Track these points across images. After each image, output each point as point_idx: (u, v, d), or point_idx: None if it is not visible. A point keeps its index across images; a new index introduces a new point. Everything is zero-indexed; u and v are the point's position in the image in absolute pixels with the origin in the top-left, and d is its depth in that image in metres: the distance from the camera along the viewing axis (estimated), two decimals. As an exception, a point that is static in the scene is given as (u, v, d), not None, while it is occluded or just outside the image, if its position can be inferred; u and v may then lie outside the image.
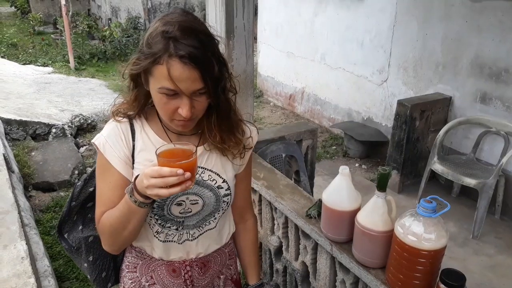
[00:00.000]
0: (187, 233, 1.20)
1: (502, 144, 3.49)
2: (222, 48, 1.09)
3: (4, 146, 3.57)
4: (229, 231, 1.32)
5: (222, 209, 1.21)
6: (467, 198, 3.84)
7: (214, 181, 1.17)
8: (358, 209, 1.74)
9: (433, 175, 3.92)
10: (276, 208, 2.35)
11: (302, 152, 3.11)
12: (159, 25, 0.99)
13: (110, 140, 1.12)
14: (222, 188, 1.18)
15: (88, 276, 1.38)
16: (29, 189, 3.81)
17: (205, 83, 0.99)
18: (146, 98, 1.11)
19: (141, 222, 1.09)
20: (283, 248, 2.41)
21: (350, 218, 1.76)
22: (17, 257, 2.00)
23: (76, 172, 4.07)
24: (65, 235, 1.34)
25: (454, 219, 3.61)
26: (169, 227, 1.17)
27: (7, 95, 5.69)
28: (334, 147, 5.12)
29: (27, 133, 4.68)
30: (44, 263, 2.22)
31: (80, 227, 1.33)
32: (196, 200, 1.15)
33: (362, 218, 1.66)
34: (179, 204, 1.13)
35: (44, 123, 4.80)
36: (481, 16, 3.48)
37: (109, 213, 1.10)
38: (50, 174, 4.03)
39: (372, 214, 1.63)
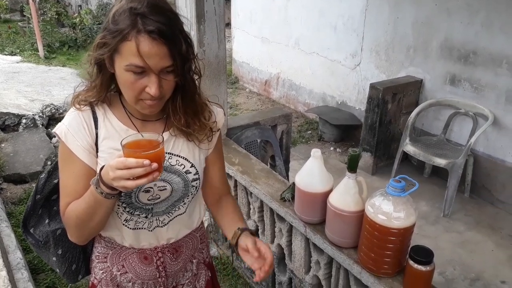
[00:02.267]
0: (156, 219, 1.19)
1: (471, 124, 3.59)
2: (192, 33, 1.08)
3: (-29, 138, 3.47)
4: (200, 215, 1.32)
5: (192, 194, 1.20)
6: (438, 178, 3.95)
7: (182, 166, 1.17)
8: (330, 191, 1.77)
9: (406, 156, 4.01)
10: (251, 193, 2.37)
11: (277, 137, 3.13)
12: (125, 2, 0.97)
13: (72, 129, 1.09)
14: (190, 173, 1.18)
15: (57, 270, 1.34)
16: (0, 182, 3.72)
17: (174, 60, 0.98)
18: (110, 83, 1.09)
19: (108, 213, 1.07)
20: (259, 232, 2.44)
21: (322, 199, 1.79)
22: (-13, 251, 1.96)
23: (49, 162, 3.99)
24: (31, 230, 1.31)
25: (426, 199, 3.71)
26: (138, 214, 1.16)
27: (-27, 85, 5.50)
28: (310, 131, 5.16)
29: (-4, 125, 4.55)
30: (17, 256, 2.19)
31: (47, 221, 1.30)
32: (164, 186, 1.14)
33: (334, 199, 1.70)
34: (147, 191, 1.12)
35: (14, 114, 4.67)
36: (449, -1, 3.54)
37: (74, 205, 1.08)
38: (22, 165, 3.93)
39: (344, 195, 1.67)
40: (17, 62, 7.42)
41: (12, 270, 1.99)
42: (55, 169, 1.24)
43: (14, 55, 7.98)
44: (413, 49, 3.95)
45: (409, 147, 3.64)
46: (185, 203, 1.21)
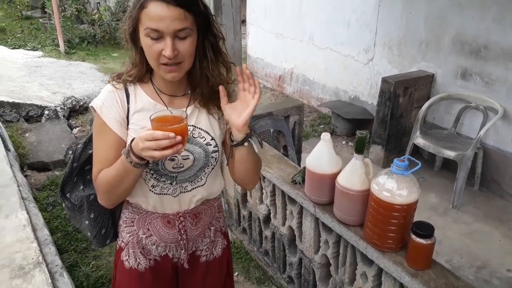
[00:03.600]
0: (180, 186, 1.31)
1: (481, 118, 3.65)
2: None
3: (0, 125, 3.66)
4: (219, 187, 1.43)
5: (212, 164, 1.32)
6: (448, 171, 4.00)
7: (204, 138, 1.28)
8: (338, 173, 1.87)
9: (417, 150, 4.08)
10: (264, 177, 2.48)
11: (289, 127, 3.24)
12: None
13: (106, 103, 1.23)
14: (210, 145, 1.29)
15: (88, 234, 1.48)
16: (25, 169, 3.90)
17: (186, 24, 1.10)
18: (144, 62, 1.21)
19: (135, 181, 1.20)
20: (271, 216, 2.55)
21: (331, 180, 1.90)
22: (19, 225, 2.12)
23: (70, 152, 4.17)
24: (67, 195, 1.45)
25: (435, 191, 3.78)
26: (164, 181, 1.28)
27: (-2, 78, 5.73)
28: (322, 125, 5.25)
29: (20, 115, 4.74)
30: (44, 233, 2.34)
31: (81, 187, 1.44)
32: (187, 155, 1.26)
33: (342, 179, 1.80)
34: (172, 160, 1.25)
35: (37, 105, 4.87)
36: (461, -6, 3.60)
37: (106, 171, 1.21)
38: (45, 154, 4.11)
39: (351, 175, 1.77)
40: (39, 57, 7.67)
41: (40, 245, 2.14)
42: (90, 140, 1.37)
43: (36, 50, 8.23)
44: (425, 44, 4.02)
45: (419, 140, 3.71)
46: (205, 173, 1.33)
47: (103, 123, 1.23)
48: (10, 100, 4.73)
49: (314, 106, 5.70)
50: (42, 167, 4.01)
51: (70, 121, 4.96)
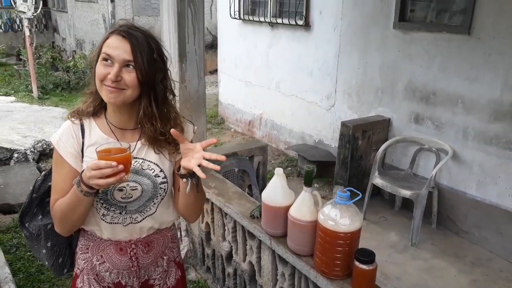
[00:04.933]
0: (130, 217, 1.40)
1: (434, 159, 3.89)
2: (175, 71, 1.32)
3: (-35, 168, 3.67)
4: (172, 218, 1.53)
5: (160, 195, 1.42)
6: (407, 210, 4.18)
7: (152, 170, 1.39)
8: (291, 205, 2.01)
9: (378, 191, 4.27)
10: (226, 214, 2.59)
11: (254, 167, 3.38)
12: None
13: (63, 138, 1.35)
14: (159, 176, 1.40)
15: (46, 263, 1.55)
16: (-10, 212, 3.88)
17: (135, 58, 1.25)
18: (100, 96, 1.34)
19: (87, 209, 1.31)
20: (233, 252, 2.64)
21: (284, 213, 2.02)
22: (-20, 262, 2.13)
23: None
24: (26, 224, 1.52)
25: (395, 230, 3.93)
26: (114, 210, 1.37)
27: (-32, 122, 5.73)
28: (290, 168, 5.42)
29: (-12, 158, 4.75)
30: (5, 271, 2.35)
31: (40, 217, 1.52)
32: (135, 186, 1.36)
33: (293, 211, 1.94)
34: (121, 190, 1.35)
35: (6, 148, 4.89)
36: (410, 46, 3.95)
37: (61, 201, 1.31)
38: (12, 196, 4.10)
39: (301, 207, 1.91)
40: (11, 102, 7.71)
41: (1, 283, 2.15)
42: (50, 173, 1.47)
43: (9, 95, 8.28)
44: (381, 90, 4.32)
45: (377, 180, 3.90)
46: (155, 204, 1.42)
47: (60, 157, 1.34)
48: (-21, 144, 4.75)
49: (282, 149, 5.90)
50: (8, 209, 3.99)
51: (40, 164, 4.97)
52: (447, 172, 3.84)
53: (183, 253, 3.12)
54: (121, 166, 1.14)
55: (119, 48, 1.25)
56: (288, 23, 5.29)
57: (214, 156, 1.21)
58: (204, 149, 1.24)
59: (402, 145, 4.18)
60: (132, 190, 1.36)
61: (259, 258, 2.38)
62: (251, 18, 6.05)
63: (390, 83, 4.21)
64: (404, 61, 4.04)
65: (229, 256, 2.72)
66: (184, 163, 1.25)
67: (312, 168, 1.88)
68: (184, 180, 1.30)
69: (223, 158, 1.22)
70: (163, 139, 1.37)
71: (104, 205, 1.36)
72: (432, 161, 3.92)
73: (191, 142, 1.40)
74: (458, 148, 3.72)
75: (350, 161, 4.14)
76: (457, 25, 3.61)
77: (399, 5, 3.98)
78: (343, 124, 4.12)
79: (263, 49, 5.94)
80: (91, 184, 1.18)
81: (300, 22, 5.12)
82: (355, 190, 1.81)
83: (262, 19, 5.78)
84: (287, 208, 2.00)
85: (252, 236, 2.35)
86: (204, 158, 1.21)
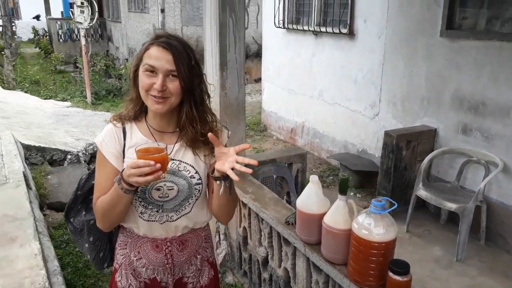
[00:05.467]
0: (166, 215, 1.47)
1: (483, 172, 3.73)
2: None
3: (24, 166, 3.94)
4: (205, 218, 1.58)
5: (195, 196, 1.48)
6: (454, 225, 4.02)
7: (188, 172, 1.46)
8: (325, 213, 2.01)
9: (423, 203, 4.14)
10: (262, 220, 2.61)
11: (292, 174, 3.39)
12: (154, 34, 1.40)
13: (106, 139, 1.44)
14: (194, 178, 1.46)
15: (88, 256, 1.65)
16: (44, 208, 4.13)
17: (177, 67, 1.33)
18: (140, 99, 1.42)
19: (126, 206, 1.38)
20: (269, 257, 2.66)
21: (319, 220, 2.02)
22: (31, 254, 2.30)
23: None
24: (71, 219, 1.64)
25: (440, 244, 3.80)
26: (151, 208, 1.45)
27: (28, 125, 6.15)
28: (331, 177, 5.38)
29: (45, 159, 5.06)
30: (54, 264, 2.50)
31: (84, 213, 1.63)
32: (172, 186, 1.43)
33: (327, 219, 1.93)
34: (158, 189, 1.42)
35: (61, 150, 5.19)
36: (458, 54, 3.83)
37: (102, 198, 1.40)
38: (64, 195, 4.34)
39: (335, 215, 1.90)
40: (67, 107, 8.19)
41: (50, 274, 2.30)
42: (93, 172, 1.57)
43: (65, 100, 8.81)
44: (427, 100, 4.21)
45: (421, 192, 3.79)
46: (190, 204, 1.49)
47: (103, 157, 1.43)
48: (37, 145, 5.07)
49: (324, 158, 5.86)
50: (60, 207, 4.22)
51: (90, 165, 5.23)
52: (497, 185, 3.67)
53: (221, 256, 3.18)
54: (158, 165, 1.21)
55: (161, 59, 1.32)
56: (332, 31, 5.28)
57: (246, 160, 1.25)
58: (238, 154, 1.29)
59: (448, 157, 4.04)
60: (169, 189, 1.43)
61: (294, 265, 2.38)
62: (295, 27, 6.09)
63: (436, 92, 4.09)
64: (451, 70, 3.92)
65: (265, 261, 2.74)
66: (218, 166, 1.31)
67: (347, 176, 1.88)
68: (218, 182, 1.36)
69: (255, 162, 1.26)
70: (202, 140, 1.44)
71: (142, 203, 1.44)
72: (481, 174, 3.75)
73: (225, 146, 1.46)
74: (509, 161, 3.55)
75: (394, 172, 4.05)
76: (510, 32, 3.46)
77: (446, 12, 3.87)
78: (387, 134, 4.05)
79: (306, 57, 5.95)
80: (131, 181, 1.25)
81: (344, 31, 5.10)
82: (391, 200, 1.79)
83: (306, 28, 5.80)
84: (322, 215, 2.00)
85: (287, 242, 2.36)
86: (237, 162, 1.25)
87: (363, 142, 5.15)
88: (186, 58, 1.35)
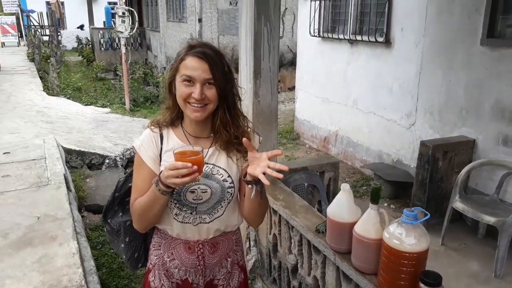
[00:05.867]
0: (199, 217, 1.51)
1: (525, 186, 3.59)
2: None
3: (65, 169, 4.12)
4: (237, 222, 1.61)
5: (227, 199, 1.52)
6: (492, 239, 3.87)
7: (221, 175, 1.50)
8: (356, 222, 1.99)
9: (460, 216, 4.01)
10: (292, 227, 2.62)
11: (324, 183, 3.38)
12: (187, 43, 1.45)
13: (144, 143, 1.51)
14: (227, 181, 1.50)
15: (123, 256, 1.71)
16: (82, 210, 4.29)
17: (213, 75, 1.38)
18: (176, 105, 1.48)
19: (162, 207, 1.43)
20: (299, 265, 2.65)
21: (349, 229, 2.01)
22: (69, 253, 2.40)
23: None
24: (108, 220, 1.71)
25: (477, 259, 3.66)
26: (185, 210, 1.49)
27: (69, 129, 6.42)
28: (365, 187, 5.30)
29: (84, 162, 5.26)
30: (90, 263, 2.60)
31: (120, 214, 1.69)
32: (205, 189, 1.48)
33: (358, 228, 1.92)
34: (192, 192, 1.47)
35: (99, 154, 5.39)
36: (499, 63, 3.71)
37: (140, 199, 1.45)
38: (101, 198, 4.50)
39: (366, 224, 1.89)
40: (107, 113, 8.49)
41: (86, 273, 2.39)
42: (130, 175, 1.64)
43: (105, 107, 9.13)
44: (465, 110, 4.09)
45: (458, 204, 3.68)
46: (222, 206, 1.52)
47: (141, 160, 1.49)
48: (77, 149, 5.29)
49: (357, 167, 5.79)
50: (97, 209, 4.37)
51: (127, 170, 5.40)
52: (540, 200, 3.51)
53: (251, 263, 3.20)
54: (195, 167, 1.26)
55: (198, 69, 1.37)
56: (368, 40, 5.24)
57: (278, 165, 1.28)
58: (269, 159, 1.31)
59: (488, 168, 3.90)
60: (203, 192, 1.48)
61: (323, 274, 2.37)
62: (330, 35, 6.08)
63: (475, 102, 3.98)
64: (491, 80, 3.80)
65: (295, 269, 2.73)
66: (250, 170, 1.34)
67: (379, 184, 1.86)
68: (249, 186, 1.39)
69: (285, 168, 1.28)
70: (236, 142, 1.48)
71: (177, 205, 1.49)
72: (523, 188, 3.61)
73: (257, 151, 1.48)
74: (553, 175, 3.39)
75: (429, 183, 3.96)
76: (554, 41, 3.34)
77: (488, 21, 3.77)
78: (423, 144, 3.96)
79: (341, 66, 5.93)
80: (168, 183, 1.29)
81: (381, 39, 5.04)
82: (424, 210, 1.76)
83: (341, 36, 5.78)
84: (352, 224, 1.99)
85: (317, 250, 2.35)
86: (269, 167, 1.28)
87: (398, 152, 5.05)
88: (220, 65, 1.40)
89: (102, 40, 15.28)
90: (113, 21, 9.37)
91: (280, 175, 1.27)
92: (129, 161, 5.57)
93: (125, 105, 9.08)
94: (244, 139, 1.36)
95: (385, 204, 4.83)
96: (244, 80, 2.78)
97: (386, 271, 1.77)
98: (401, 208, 4.71)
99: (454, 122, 4.23)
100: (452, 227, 3.88)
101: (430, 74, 4.46)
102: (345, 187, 2.03)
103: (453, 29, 4.15)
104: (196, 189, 1.47)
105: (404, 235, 1.68)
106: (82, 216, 4.18)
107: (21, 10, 20.91)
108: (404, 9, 4.78)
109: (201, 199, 1.48)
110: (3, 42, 18.72)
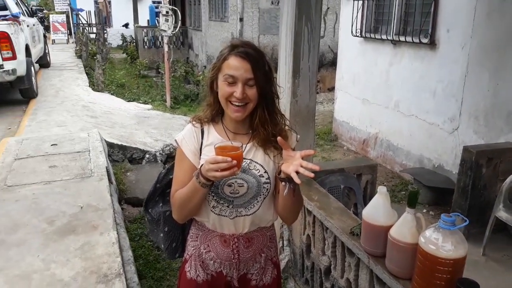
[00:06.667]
0: (236, 211, 1.55)
1: None
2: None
3: (107, 162, 4.28)
4: (271, 218, 1.64)
5: (263, 194, 1.54)
6: (540, 252, 3.70)
7: (258, 171, 1.53)
8: (392, 226, 1.96)
9: (504, 226, 3.84)
10: (327, 229, 2.60)
11: (361, 186, 3.33)
12: (229, 42, 1.49)
13: (186, 137, 1.56)
14: (263, 177, 1.53)
15: (162, 246, 1.78)
16: (122, 203, 4.43)
17: (255, 75, 1.41)
18: (217, 102, 1.52)
19: (201, 199, 1.48)
20: (332, 267, 2.63)
21: (385, 232, 1.98)
22: (109, 242, 2.50)
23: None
24: (149, 210, 1.79)
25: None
26: (222, 203, 1.54)
27: (112, 124, 6.65)
28: (403, 192, 5.18)
29: (125, 157, 5.44)
30: (128, 254, 2.70)
31: (161, 204, 1.77)
32: (242, 183, 1.51)
33: (393, 231, 1.89)
34: (229, 185, 1.51)
35: (140, 149, 5.55)
36: (552, 67, 3.53)
37: (180, 191, 1.51)
38: (140, 191, 4.63)
39: (402, 228, 1.86)
40: (148, 110, 8.72)
41: (124, 262, 2.48)
42: (171, 168, 1.70)
43: (147, 103, 9.38)
44: (513, 115, 3.92)
45: (502, 213, 3.53)
46: (258, 202, 1.55)
47: (182, 153, 1.55)
48: (119, 143, 5.48)
49: (396, 171, 5.66)
50: (136, 202, 4.51)
51: (166, 165, 5.53)
52: None
53: (284, 262, 3.20)
54: (234, 162, 1.30)
55: (240, 69, 1.41)
56: (412, 41, 5.11)
57: (310, 165, 1.30)
58: (303, 158, 1.32)
59: (536, 178, 3.71)
60: (239, 186, 1.51)
61: (356, 276, 2.34)
62: (372, 36, 5.98)
63: (525, 107, 3.80)
64: (543, 84, 3.62)
65: (328, 271, 2.72)
66: (284, 168, 1.37)
67: (416, 189, 1.83)
68: (283, 183, 1.42)
69: (317, 168, 1.31)
70: (273, 140, 1.51)
71: (214, 198, 1.53)
72: None
73: (293, 149, 1.50)
74: None
75: (471, 190, 3.81)
76: None
77: (541, 21, 3.60)
78: (466, 149, 3.83)
79: (383, 67, 5.81)
80: (208, 176, 1.34)
81: (425, 40, 4.91)
82: (463, 216, 1.71)
83: (384, 37, 5.67)
84: (388, 228, 1.96)
85: (351, 253, 2.33)
86: (301, 166, 1.29)
87: (440, 157, 4.90)
88: (262, 65, 1.44)
89: (145, 38, 15.68)
90: (157, 19, 9.61)
91: (312, 174, 1.29)
92: (169, 156, 5.71)
93: (166, 102, 9.29)
94: (278, 138, 1.39)
95: (424, 211, 4.70)
96: (283, 79, 2.79)
97: (421, 277, 1.74)
98: (440, 215, 4.57)
99: (501, 128, 4.06)
100: (495, 237, 3.73)
101: (476, 77, 4.30)
102: (381, 190, 2.00)
103: (503, 30, 3.98)
104: (233, 183, 1.51)
105: (440, 241, 1.64)
106: (122, 208, 4.33)
107: (71, 8, 21.83)
108: (451, 10, 4.63)
109: (238, 193, 1.52)
110: (54, 39, 19.57)
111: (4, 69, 6.61)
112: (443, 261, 1.63)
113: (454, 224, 1.64)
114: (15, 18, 7.59)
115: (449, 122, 4.72)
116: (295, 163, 1.31)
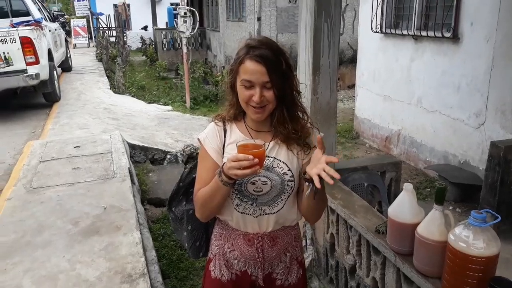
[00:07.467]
0: (260, 209, 1.53)
1: None
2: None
3: (129, 163, 4.33)
4: (296, 216, 1.61)
5: (287, 192, 1.52)
6: None
7: (281, 169, 1.51)
8: (419, 223, 1.91)
9: (535, 223, 3.73)
10: (351, 227, 2.56)
11: (385, 183, 3.27)
12: (245, 41, 1.45)
13: (209, 136, 1.56)
14: (287, 175, 1.51)
15: (185, 245, 1.78)
16: (144, 203, 4.47)
17: (270, 78, 1.39)
18: (239, 103, 1.51)
19: (224, 197, 1.47)
20: (357, 266, 2.59)
21: (411, 230, 1.93)
22: (133, 243, 2.51)
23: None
24: (173, 209, 1.79)
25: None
26: (246, 201, 1.52)
27: (134, 126, 6.73)
28: (428, 189, 5.07)
29: (147, 157, 5.49)
30: (152, 254, 2.71)
31: (184, 203, 1.77)
32: (265, 181, 1.49)
33: (421, 229, 1.84)
34: (253, 183, 1.49)
35: (161, 150, 5.59)
36: None
37: (203, 189, 1.50)
38: (162, 192, 4.67)
39: (429, 225, 1.81)
40: (168, 111, 8.79)
41: (147, 262, 2.49)
42: (194, 167, 1.71)
43: (167, 105, 9.46)
44: (542, 109, 3.79)
45: (533, 210, 3.42)
46: (282, 200, 1.53)
47: (205, 151, 1.54)
48: (141, 144, 5.54)
49: (421, 168, 5.55)
50: (159, 203, 4.54)
51: (187, 165, 5.56)
52: None
53: (307, 261, 3.17)
54: (256, 160, 1.29)
55: (256, 73, 1.39)
56: (434, 35, 5.00)
57: (331, 172, 1.27)
58: (327, 164, 1.30)
59: None
60: (263, 184, 1.50)
61: (383, 275, 2.29)
62: (393, 31, 5.88)
63: (555, 100, 3.67)
64: None
65: (353, 270, 2.68)
66: (308, 168, 1.35)
67: (444, 185, 1.78)
68: (306, 184, 1.39)
69: (338, 176, 1.27)
70: (295, 136, 1.50)
71: (238, 196, 1.52)
72: None
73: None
74: None
75: (500, 186, 3.70)
76: None
77: None
78: (493, 144, 3.72)
79: (404, 62, 5.71)
80: (230, 174, 1.33)
81: (448, 35, 4.80)
82: (494, 213, 1.65)
83: (405, 32, 5.57)
84: (415, 225, 1.91)
85: (377, 251, 2.28)
86: (324, 171, 1.27)
87: (466, 153, 4.78)
88: (278, 66, 1.42)
89: (164, 40, 15.83)
90: (175, 21, 9.67)
91: (331, 181, 1.27)
92: (189, 157, 5.74)
93: (185, 103, 9.35)
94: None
95: (451, 208, 4.59)
96: (303, 76, 2.76)
97: (451, 275, 1.69)
98: (467, 212, 4.43)
99: (530, 122, 3.93)
100: (526, 235, 3.61)
101: (502, 71, 4.18)
102: (407, 187, 1.96)
103: (530, 21, 3.86)
104: (256, 181, 1.49)
105: (471, 238, 1.59)
106: (145, 209, 4.36)
107: (91, 13, 22.21)
108: (474, 2, 4.51)
109: (262, 191, 1.50)
110: (75, 44, 19.95)
111: (27, 74, 6.74)
112: (474, 259, 1.58)
113: (485, 221, 1.58)
114: (37, 23, 7.74)
115: (474, 117, 4.60)
116: (318, 166, 1.29)
